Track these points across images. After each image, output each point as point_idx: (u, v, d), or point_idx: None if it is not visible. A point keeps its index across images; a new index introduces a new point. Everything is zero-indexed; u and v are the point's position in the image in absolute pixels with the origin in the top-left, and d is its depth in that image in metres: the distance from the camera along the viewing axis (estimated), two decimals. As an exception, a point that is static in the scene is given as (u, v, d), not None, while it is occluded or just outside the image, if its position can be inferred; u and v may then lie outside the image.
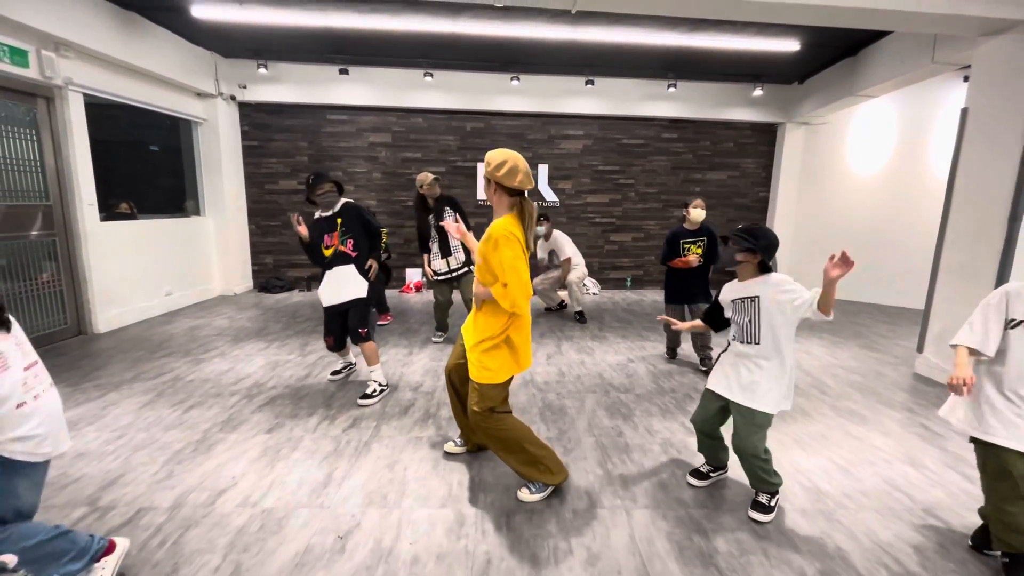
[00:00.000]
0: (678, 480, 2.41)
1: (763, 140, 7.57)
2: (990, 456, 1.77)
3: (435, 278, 4.44)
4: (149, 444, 2.66)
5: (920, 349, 4.04)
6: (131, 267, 5.11)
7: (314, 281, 7.16)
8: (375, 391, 3.29)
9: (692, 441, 2.79)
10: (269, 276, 7.14)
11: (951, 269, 3.81)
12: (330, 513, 2.10)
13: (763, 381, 2.07)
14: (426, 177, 4.26)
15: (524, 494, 2.22)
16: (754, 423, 2.07)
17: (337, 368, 3.69)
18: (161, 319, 5.31)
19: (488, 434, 2.19)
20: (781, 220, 7.58)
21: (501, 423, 2.17)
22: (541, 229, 5.48)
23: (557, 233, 5.65)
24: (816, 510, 2.20)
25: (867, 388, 3.70)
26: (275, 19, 4.93)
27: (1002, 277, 3.43)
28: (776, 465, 2.54)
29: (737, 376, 2.13)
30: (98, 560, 1.65)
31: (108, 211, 5.05)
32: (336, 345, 3.46)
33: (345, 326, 3.38)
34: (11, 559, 1.47)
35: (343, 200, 3.31)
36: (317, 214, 3.30)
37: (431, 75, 6.46)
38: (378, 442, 2.73)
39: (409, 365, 3.99)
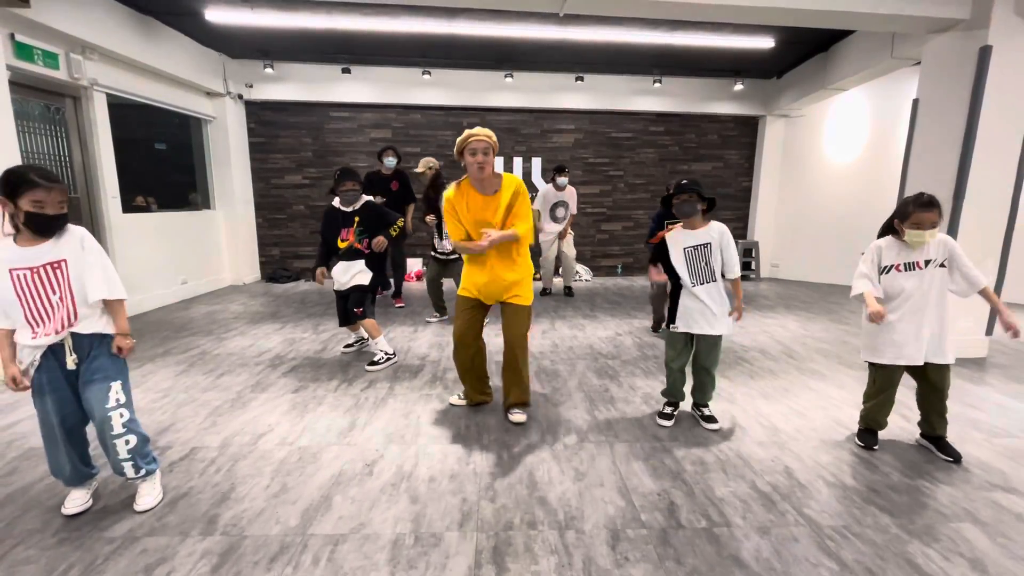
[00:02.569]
0: (655, 423, 2.79)
1: (745, 132, 7.96)
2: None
3: (433, 254, 4.79)
4: (191, 402, 3.01)
5: (881, 319, 4.43)
6: (150, 257, 5.44)
7: (319, 271, 7.50)
8: (380, 359, 3.65)
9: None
10: (276, 267, 7.47)
11: (906, 245, 4.20)
12: (357, 449, 2.47)
13: (722, 311, 2.58)
14: (427, 162, 4.79)
15: (518, 415, 2.76)
16: (718, 346, 2.63)
17: (349, 343, 4.05)
18: (178, 305, 5.65)
19: (524, 348, 2.75)
20: (763, 208, 7.98)
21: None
22: (564, 180, 5.83)
23: (571, 188, 6.03)
24: (771, 441, 2.58)
25: (831, 353, 4.09)
26: (282, 21, 5.26)
27: (948, 250, 3.82)
28: (741, 412, 2.97)
29: (704, 314, 2.57)
30: None
31: (126, 205, 5.37)
32: (341, 321, 3.85)
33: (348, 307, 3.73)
34: (133, 439, 1.93)
35: (364, 199, 3.59)
36: (335, 203, 3.58)
37: (429, 73, 6.81)
38: (393, 398, 3.09)
39: (416, 340, 4.35)
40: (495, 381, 3.20)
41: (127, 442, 1.91)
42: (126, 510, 1.98)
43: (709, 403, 2.81)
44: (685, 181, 2.56)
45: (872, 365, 2.49)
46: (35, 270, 1.75)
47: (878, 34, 5.11)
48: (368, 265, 3.59)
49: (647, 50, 6.21)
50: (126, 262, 5.00)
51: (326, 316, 5.18)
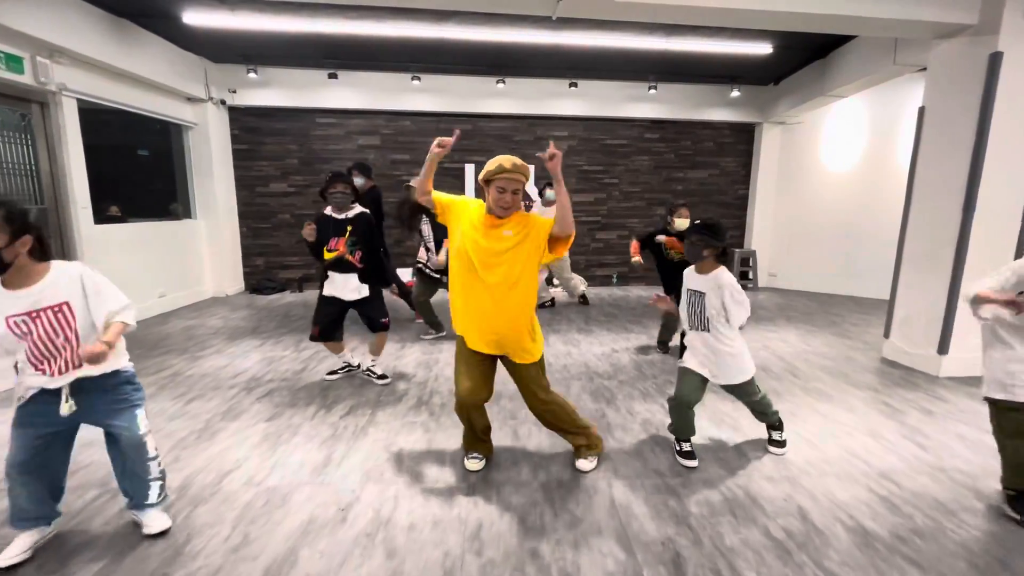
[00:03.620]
0: (656, 454, 2.59)
1: (741, 139, 7.83)
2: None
3: (420, 267, 4.53)
4: (154, 433, 2.75)
5: (887, 335, 4.27)
6: (125, 269, 5.18)
7: (305, 282, 7.27)
8: (384, 372, 3.62)
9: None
10: (261, 278, 7.22)
11: (912, 259, 4.05)
12: (331, 489, 2.24)
13: (732, 357, 2.38)
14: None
15: (585, 463, 2.42)
16: (751, 387, 2.44)
17: (334, 368, 3.71)
18: (156, 320, 5.40)
19: (554, 412, 2.39)
20: (760, 216, 7.84)
21: (557, 395, 2.42)
22: (551, 193, 5.57)
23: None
24: (782, 476, 2.39)
25: (836, 371, 3.92)
26: (265, 25, 5.06)
27: (958, 265, 3.67)
28: (746, 440, 2.76)
29: (712, 359, 2.39)
30: None
31: (100, 215, 5.13)
32: (322, 336, 3.37)
33: (338, 319, 3.41)
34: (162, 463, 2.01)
35: (360, 209, 3.31)
36: (328, 211, 3.28)
37: (419, 79, 6.62)
38: (374, 427, 2.87)
39: (402, 359, 4.13)
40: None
41: (159, 463, 1.97)
42: (63, 568, 1.75)
43: (777, 426, 2.63)
44: (699, 222, 2.33)
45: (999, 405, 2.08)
46: (34, 315, 1.68)
47: (880, 40, 4.97)
48: (363, 280, 3.32)
49: (642, 56, 6.06)
50: (98, 276, 4.74)
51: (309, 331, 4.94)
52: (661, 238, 3.98)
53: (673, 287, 3.95)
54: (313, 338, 3.40)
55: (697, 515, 2.09)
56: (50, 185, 4.48)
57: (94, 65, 4.74)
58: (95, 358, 1.66)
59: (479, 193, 2.30)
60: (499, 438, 2.71)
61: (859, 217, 6.94)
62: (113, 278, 5.00)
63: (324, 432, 2.80)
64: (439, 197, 2.30)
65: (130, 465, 1.91)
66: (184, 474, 2.36)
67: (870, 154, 6.84)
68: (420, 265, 4.55)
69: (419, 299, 4.64)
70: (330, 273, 3.32)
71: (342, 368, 3.71)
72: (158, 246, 5.78)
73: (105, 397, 1.85)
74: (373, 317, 3.42)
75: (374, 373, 3.58)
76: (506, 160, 2.09)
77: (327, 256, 3.26)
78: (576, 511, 2.10)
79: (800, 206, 7.54)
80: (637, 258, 4.15)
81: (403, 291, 5.26)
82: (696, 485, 2.31)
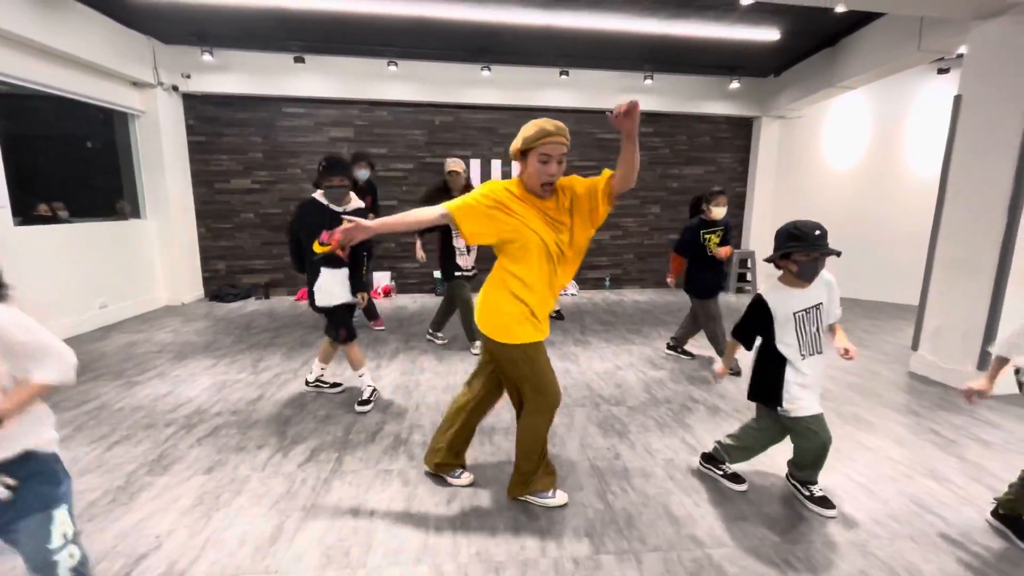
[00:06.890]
0: (688, 511, 2.12)
1: (739, 134, 7.44)
2: None
3: (458, 274, 4.05)
4: (56, 495, 2.18)
5: (915, 347, 3.89)
6: (57, 278, 4.50)
7: (272, 288, 6.64)
8: (370, 395, 3.13)
9: (697, 461, 2.51)
10: (222, 283, 6.56)
11: (946, 264, 3.67)
12: (278, 580, 1.71)
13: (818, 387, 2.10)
14: (456, 164, 3.99)
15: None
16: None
17: (365, 399, 3.13)
18: (94, 335, 4.72)
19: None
20: (758, 216, 7.48)
21: None
22: None
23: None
24: (847, 542, 1.93)
25: (867, 389, 3.51)
26: (218, -1, 4.44)
27: (1002, 271, 3.29)
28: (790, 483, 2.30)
29: (814, 391, 2.07)
30: None
31: (25, 215, 4.44)
32: (351, 335, 3.11)
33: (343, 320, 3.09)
34: None
35: (358, 203, 3.01)
36: (318, 196, 2.89)
37: (396, 64, 6.03)
38: (340, 479, 2.33)
39: (376, 381, 3.58)
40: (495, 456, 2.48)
41: None
42: None
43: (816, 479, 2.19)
44: (819, 232, 1.92)
45: None
46: None
47: (901, 24, 4.58)
48: (350, 279, 3.04)
49: (639, 42, 5.61)
50: (20, 286, 4.05)
51: (271, 347, 4.36)
52: (722, 251, 3.81)
53: (716, 283, 3.84)
54: (347, 338, 3.10)
55: (757, 608, 1.61)
56: (-44, 180, 3.80)
57: (11, 40, 4.05)
58: None
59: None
60: (497, 493, 2.20)
61: (862, 217, 6.62)
62: (42, 287, 4.12)
63: (277, 488, 2.25)
64: (460, 206, 1.97)
65: None
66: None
67: (873, 151, 6.53)
68: (458, 273, 4.06)
69: (467, 305, 4.02)
70: (323, 271, 2.94)
71: (370, 391, 3.18)
72: (99, 250, 5.10)
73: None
74: (335, 329, 3.09)
75: (363, 396, 3.15)
76: (547, 123, 1.86)
77: (318, 249, 2.86)
78: (601, 607, 1.61)
79: (800, 205, 7.18)
80: (672, 279, 4.03)
81: (369, 302, 4.89)
82: (745, 558, 1.84)
